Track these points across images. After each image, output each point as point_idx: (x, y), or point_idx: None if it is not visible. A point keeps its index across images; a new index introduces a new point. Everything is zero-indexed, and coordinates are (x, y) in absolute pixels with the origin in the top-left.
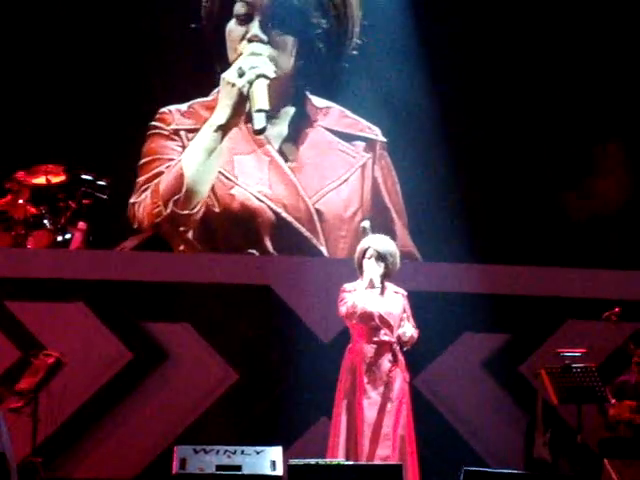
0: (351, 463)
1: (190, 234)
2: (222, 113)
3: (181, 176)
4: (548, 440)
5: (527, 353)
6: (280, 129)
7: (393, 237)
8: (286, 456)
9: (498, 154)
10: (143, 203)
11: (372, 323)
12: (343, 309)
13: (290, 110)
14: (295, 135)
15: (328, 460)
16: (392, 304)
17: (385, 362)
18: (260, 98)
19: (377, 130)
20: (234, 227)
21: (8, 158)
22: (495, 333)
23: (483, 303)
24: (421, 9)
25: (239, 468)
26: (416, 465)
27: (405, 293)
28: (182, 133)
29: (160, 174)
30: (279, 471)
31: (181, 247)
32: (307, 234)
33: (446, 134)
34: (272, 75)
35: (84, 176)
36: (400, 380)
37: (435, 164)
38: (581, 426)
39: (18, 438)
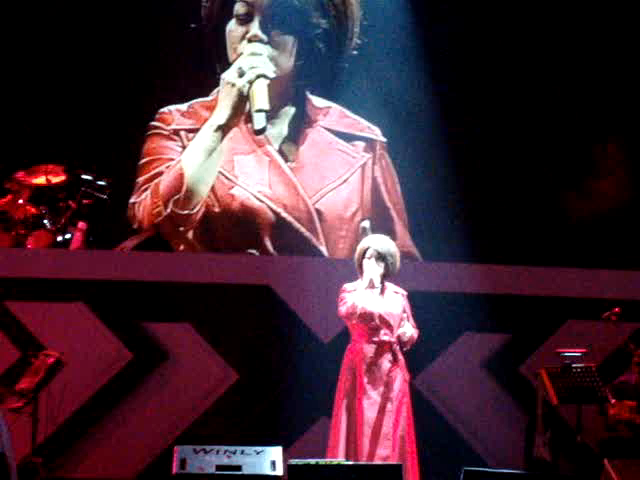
0: (351, 463)
1: (190, 234)
2: (222, 113)
3: (181, 176)
4: (548, 440)
5: (527, 353)
6: (280, 129)
7: (393, 237)
8: (286, 456)
9: (498, 154)
10: (143, 203)
11: (372, 323)
12: (343, 309)
13: (290, 110)
14: (295, 135)
15: (328, 460)
16: (392, 304)
17: (385, 362)
18: (260, 98)
19: (377, 130)
20: (234, 227)
21: (8, 158)
22: (495, 333)
23: (483, 303)
24: (421, 9)
25: (239, 468)
26: (416, 465)
27: (405, 293)
28: (182, 133)
29: (160, 174)
30: (279, 471)
31: (181, 247)
32: (307, 234)
33: (446, 134)
34: (272, 75)
35: (84, 176)
36: (400, 380)
37: (435, 164)
38: (581, 426)
39: (18, 438)
